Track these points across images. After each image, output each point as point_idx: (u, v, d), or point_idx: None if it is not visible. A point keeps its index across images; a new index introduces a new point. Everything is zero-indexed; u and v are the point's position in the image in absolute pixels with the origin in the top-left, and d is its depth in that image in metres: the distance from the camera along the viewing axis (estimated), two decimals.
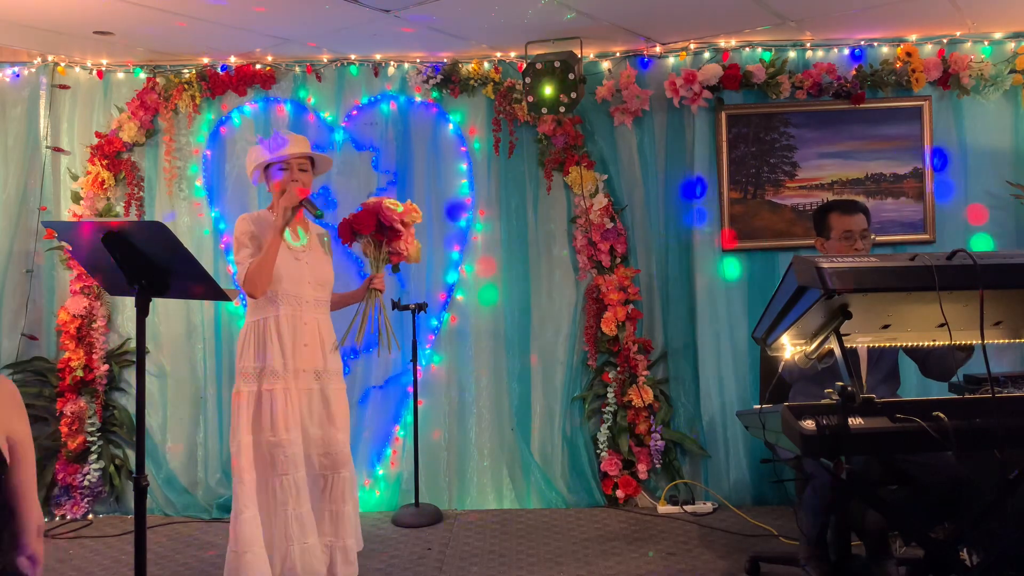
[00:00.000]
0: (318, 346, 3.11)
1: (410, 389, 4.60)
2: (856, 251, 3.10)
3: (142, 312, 2.47)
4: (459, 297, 4.80)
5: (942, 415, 2.06)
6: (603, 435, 4.65)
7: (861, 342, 2.47)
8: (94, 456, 4.60)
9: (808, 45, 4.60)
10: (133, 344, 4.68)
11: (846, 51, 4.59)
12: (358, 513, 3.28)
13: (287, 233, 3.11)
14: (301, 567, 2.94)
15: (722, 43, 4.61)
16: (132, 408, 4.66)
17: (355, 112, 4.80)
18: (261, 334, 3.07)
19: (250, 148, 3.26)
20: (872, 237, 3.19)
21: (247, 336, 3.10)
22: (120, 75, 4.79)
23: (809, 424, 2.08)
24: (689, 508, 4.50)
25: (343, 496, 3.09)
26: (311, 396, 3.09)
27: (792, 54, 4.61)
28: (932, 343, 2.48)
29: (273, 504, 2.99)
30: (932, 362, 3.07)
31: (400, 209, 3.26)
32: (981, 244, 4.54)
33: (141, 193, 4.76)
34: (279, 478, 2.98)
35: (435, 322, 4.78)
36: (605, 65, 4.72)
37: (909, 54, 4.49)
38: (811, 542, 3.03)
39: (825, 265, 2.05)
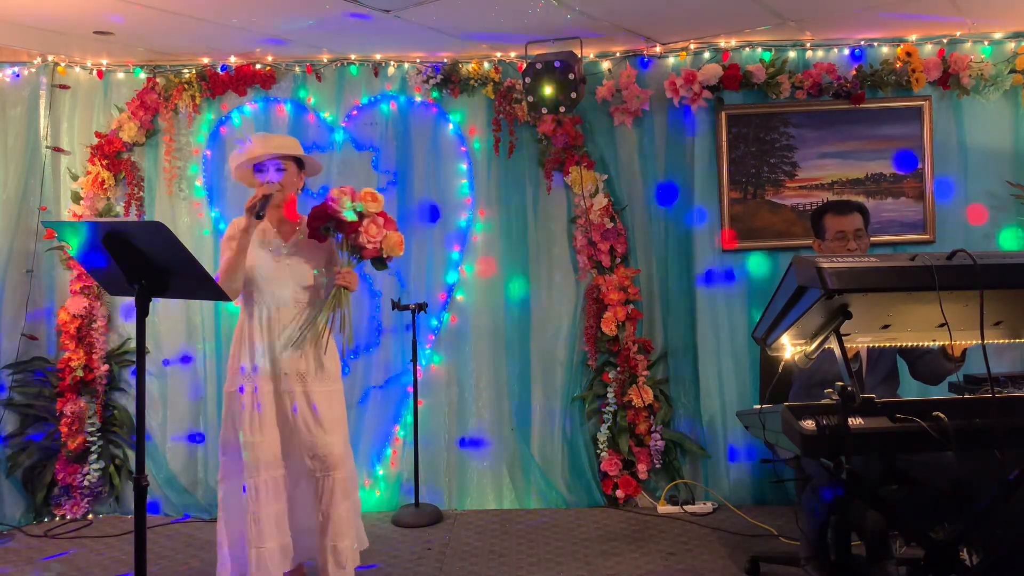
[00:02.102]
0: (303, 348, 3.08)
1: (410, 389, 4.60)
2: (849, 251, 3.10)
3: (142, 312, 2.47)
4: (459, 297, 4.80)
5: (942, 415, 2.06)
6: (603, 435, 4.65)
7: (861, 342, 2.47)
8: (94, 456, 4.60)
9: (808, 45, 4.60)
10: (133, 344, 4.68)
11: (846, 51, 4.59)
12: (358, 514, 3.24)
13: (275, 235, 3.13)
14: (256, 570, 2.93)
15: (722, 43, 4.61)
16: (132, 408, 4.66)
17: (355, 112, 4.80)
18: (241, 335, 3.11)
19: (232, 154, 3.27)
20: (867, 238, 3.19)
21: (234, 336, 3.17)
22: (120, 75, 4.79)
23: (809, 424, 2.08)
24: (689, 508, 4.50)
25: (334, 498, 3.06)
26: (295, 398, 3.06)
27: (792, 54, 4.61)
28: (932, 343, 2.48)
29: (241, 505, 3.02)
30: (922, 366, 3.08)
31: (347, 200, 3.02)
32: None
33: (141, 193, 4.76)
34: (246, 480, 3.00)
35: (435, 322, 4.78)
36: (605, 65, 4.72)
37: (909, 54, 4.49)
38: (811, 542, 3.03)
39: (825, 265, 2.05)
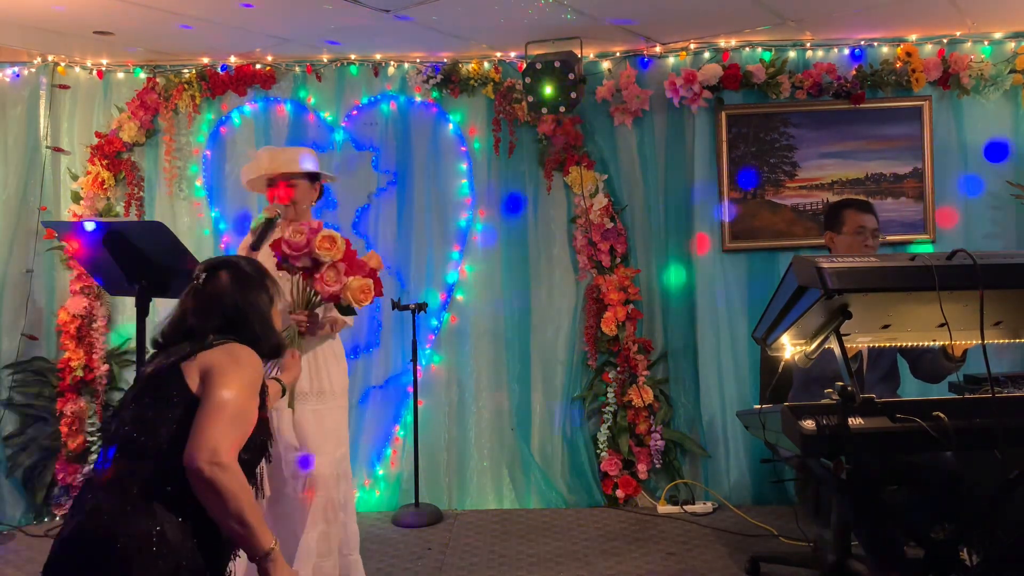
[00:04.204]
0: (308, 364, 2.98)
1: (410, 389, 4.60)
2: (867, 247, 3.12)
3: (142, 312, 2.48)
4: (459, 297, 4.80)
5: (942, 415, 2.06)
6: (603, 435, 4.65)
7: (861, 342, 2.47)
8: (94, 456, 4.60)
9: (808, 45, 4.60)
10: (133, 344, 4.67)
11: (846, 51, 4.59)
12: (331, 545, 2.99)
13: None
14: None
15: (722, 43, 4.60)
16: None
17: (355, 112, 4.80)
18: None
19: (244, 167, 3.24)
20: (882, 237, 3.22)
21: None
22: (120, 75, 4.79)
23: (809, 424, 2.08)
24: (689, 508, 4.50)
25: (306, 523, 2.89)
26: (280, 419, 2.91)
27: (792, 54, 4.61)
28: (932, 343, 2.48)
29: None
30: (922, 365, 3.09)
31: (300, 239, 2.74)
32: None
33: (141, 193, 4.76)
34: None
35: (435, 322, 4.78)
36: (605, 65, 4.72)
37: (909, 54, 4.49)
38: (837, 546, 2.98)
39: (825, 265, 2.05)
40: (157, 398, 1.96)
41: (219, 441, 1.85)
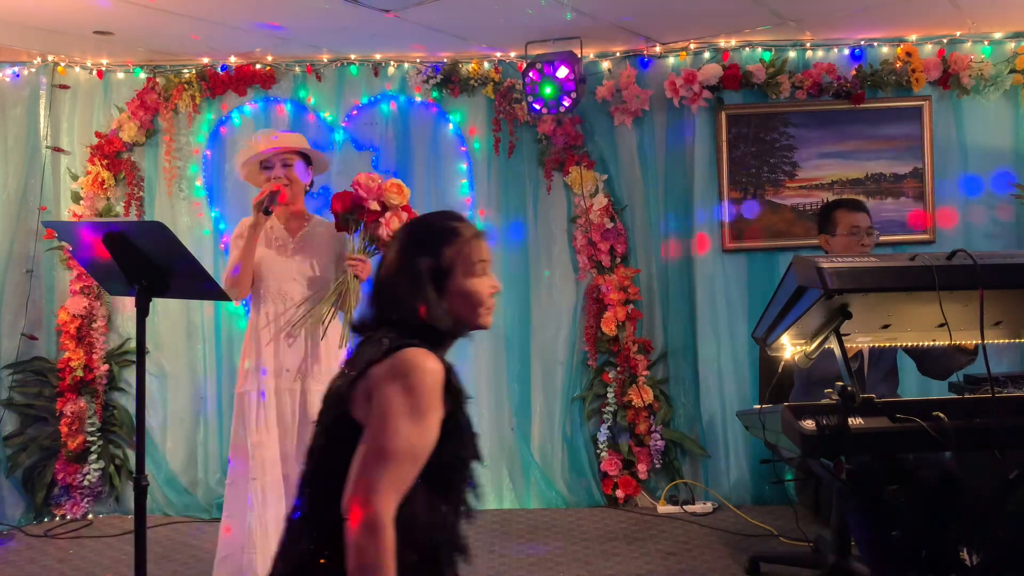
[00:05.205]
0: (305, 345, 3.06)
1: None
2: (863, 247, 3.12)
3: (142, 312, 2.47)
4: None
5: (942, 415, 2.06)
6: (603, 435, 4.65)
7: (861, 342, 2.48)
8: (94, 456, 4.60)
9: (808, 45, 4.59)
10: (133, 344, 4.67)
11: (846, 51, 4.59)
12: None
13: (282, 231, 3.12)
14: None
15: (722, 43, 4.60)
16: (132, 408, 4.66)
17: (355, 112, 4.80)
18: (250, 334, 3.09)
19: (238, 154, 3.26)
20: (876, 234, 3.21)
21: (245, 335, 3.15)
22: (120, 75, 4.79)
23: (809, 424, 2.08)
24: (689, 508, 4.50)
25: None
26: (292, 397, 3.02)
27: (792, 54, 4.61)
28: (932, 343, 2.49)
29: (247, 510, 2.97)
30: (929, 361, 3.09)
31: (373, 184, 2.97)
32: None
33: (141, 193, 4.76)
34: (250, 482, 2.96)
35: None
36: (605, 65, 4.72)
37: (909, 54, 4.48)
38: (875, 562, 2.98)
39: (825, 265, 2.06)
40: (330, 428, 1.68)
41: (371, 493, 1.53)
